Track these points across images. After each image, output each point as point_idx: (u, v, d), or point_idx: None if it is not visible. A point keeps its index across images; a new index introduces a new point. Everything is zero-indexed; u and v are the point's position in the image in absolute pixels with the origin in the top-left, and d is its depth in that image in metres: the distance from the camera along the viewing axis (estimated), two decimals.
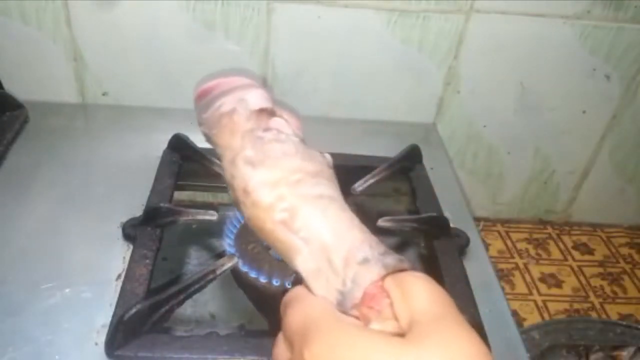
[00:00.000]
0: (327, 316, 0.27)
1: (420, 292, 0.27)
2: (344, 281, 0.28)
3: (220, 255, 0.53)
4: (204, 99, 0.39)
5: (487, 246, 0.92)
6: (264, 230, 0.32)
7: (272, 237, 0.32)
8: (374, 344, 0.24)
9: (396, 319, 0.27)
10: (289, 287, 0.49)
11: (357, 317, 0.28)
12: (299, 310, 0.28)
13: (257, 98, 0.37)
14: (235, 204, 0.35)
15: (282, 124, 0.36)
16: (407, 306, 0.26)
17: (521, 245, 0.95)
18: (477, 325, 0.48)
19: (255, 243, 0.53)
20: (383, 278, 0.28)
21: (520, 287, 0.88)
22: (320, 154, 0.36)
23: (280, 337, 0.30)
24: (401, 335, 0.26)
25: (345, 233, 0.30)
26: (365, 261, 0.29)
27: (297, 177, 0.32)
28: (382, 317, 0.27)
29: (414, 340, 0.24)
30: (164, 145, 0.67)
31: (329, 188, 0.33)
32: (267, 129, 0.35)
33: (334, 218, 0.31)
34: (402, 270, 0.29)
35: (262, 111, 0.36)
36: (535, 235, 0.97)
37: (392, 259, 0.29)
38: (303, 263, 0.31)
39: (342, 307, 0.28)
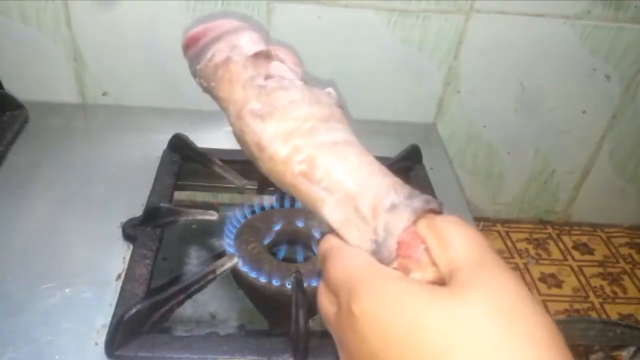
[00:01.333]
0: (371, 269, 0.27)
1: (456, 238, 0.27)
2: (375, 230, 0.28)
3: (220, 255, 0.53)
4: (193, 48, 0.37)
5: None
6: (285, 184, 0.32)
7: (294, 190, 0.32)
8: (422, 297, 0.25)
9: (434, 264, 0.27)
10: (289, 287, 0.49)
11: (395, 268, 0.28)
12: (340, 262, 0.29)
13: (250, 42, 0.35)
14: (250, 158, 0.34)
15: (282, 68, 0.34)
16: (446, 253, 0.27)
17: (521, 245, 0.95)
18: None
19: (255, 243, 0.53)
20: (414, 223, 0.28)
21: None
22: (325, 92, 0.34)
23: (322, 289, 0.30)
24: (442, 281, 0.26)
25: (368, 178, 0.30)
26: (393, 207, 0.28)
27: (309, 125, 0.31)
28: (421, 265, 0.27)
29: (459, 290, 0.24)
30: (164, 145, 0.67)
31: (343, 131, 0.32)
32: (268, 76, 0.34)
33: (354, 164, 0.30)
34: (431, 211, 0.29)
35: (258, 55, 0.35)
36: (535, 235, 0.97)
37: (419, 202, 0.28)
38: (330, 213, 0.30)
39: (378, 256, 0.28)
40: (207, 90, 0.37)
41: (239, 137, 0.34)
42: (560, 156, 0.91)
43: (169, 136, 0.67)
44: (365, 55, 0.78)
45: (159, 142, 0.67)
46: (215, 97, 0.36)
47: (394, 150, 0.69)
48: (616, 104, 0.85)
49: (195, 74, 0.38)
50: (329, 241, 0.31)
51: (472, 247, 0.27)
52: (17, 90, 0.75)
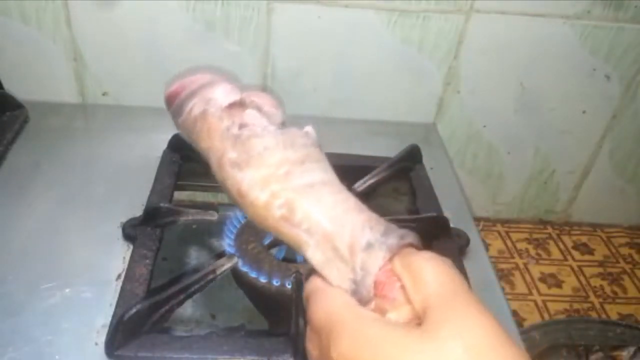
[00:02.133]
0: (348, 312, 0.28)
1: (429, 275, 0.27)
2: (353, 269, 0.29)
3: (220, 255, 0.53)
4: (173, 104, 0.39)
5: (487, 246, 0.92)
6: (269, 228, 0.33)
7: (277, 233, 0.33)
8: (395, 341, 0.25)
9: (410, 303, 0.28)
10: (289, 287, 0.49)
11: (373, 309, 0.28)
12: (321, 304, 0.29)
13: (224, 94, 0.37)
14: (235, 204, 0.35)
15: (255, 115, 0.35)
16: (419, 291, 0.27)
17: (521, 245, 0.95)
18: None
19: (255, 243, 0.53)
20: (390, 260, 0.29)
21: (520, 287, 0.88)
22: (301, 133, 0.35)
23: (307, 331, 0.31)
24: (419, 319, 0.27)
25: (344, 217, 0.31)
26: (369, 246, 0.29)
27: (285, 169, 0.32)
28: (396, 305, 0.28)
29: (432, 329, 0.25)
30: (164, 145, 0.67)
31: (319, 171, 0.33)
32: (242, 125, 0.35)
33: (330, 204, 0.31)
34: (408, 245, 0.29)
35: (232, 105, 0.36)
36: (535, 235, 0.97)
37: (394, 239, 0.29)
38: (312, 255, 0.31)
39: (357, 295, 0.29)
40: (190, 141, 0.38)
41: (222, 184, 0.35)
42: (560, 156, 0.91)
43: (169, 136, 0.67)
44: (365, 55, 0.78)
45: (159, 142, 0.67)
46: (197, 148, 0.38)
47: (394, 150, 0.69)
48: (616, 104, 0.85)
49: (177, 126, 0.39)
50: (313, 282, 0.31)
51: (445, 284, 0.27)
52: (17, 90, 0.75)
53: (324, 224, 0.31)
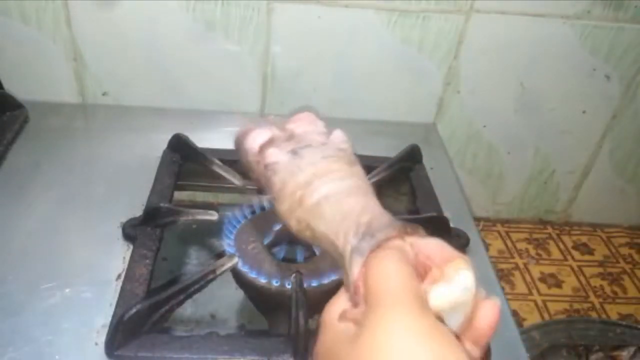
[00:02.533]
0: (326, 322, 0.30)
1: (371, 276, 0.28)
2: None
3: (220, 255, 0.53)
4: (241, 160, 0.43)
5: (487, 246, 0.92)
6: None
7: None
8: (337, 351, 0.28)
9: None
10: (289, 287, 0.49)
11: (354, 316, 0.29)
12: (325, 308, 0.32)
13: (253, 142, 0.40)
14: None
15: (273, 153, 0.38)
16: (365, 292, 0.28)
17: (521, 245, 0.95)
18: None
19: (255, 243, 0.53)
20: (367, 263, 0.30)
21: (520, 287, 0.88)
22: (317, 148, 0.38)
23: None
24: None
25: (339, 228, 0.32)
26: (352, 252, 0.31)
27: (299, 194, 0.35)
28: (360, 311, 0.28)
29: (360, 335, 0.26)
30: (164, 145, 0.67)
31: (323, 186, 0.35)
32: (266, 166, 0.38)
33: (329, 217, 0.34)
34: (381, 243, 0.30)
35: (264, 146, 0.39)
36: (535, 235, 0.97)
37: (367, 242, 0.30)
38: (338, 264, 0.33)
39: (352, 302, 0.30)
40: None
41: None
42: (560, 156, 0.91)
43: (169, 136, 0.67)
44: (365, 55, 0.78)
45: (159, 142, 0.67)
46: None
47: (394, 150, 0.69)
48: (616, 104, 0.85)
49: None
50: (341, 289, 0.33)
51: (380, 284, 0.28)
52: (17, 90, 0.75)
53: (330, 236, 0.33)
